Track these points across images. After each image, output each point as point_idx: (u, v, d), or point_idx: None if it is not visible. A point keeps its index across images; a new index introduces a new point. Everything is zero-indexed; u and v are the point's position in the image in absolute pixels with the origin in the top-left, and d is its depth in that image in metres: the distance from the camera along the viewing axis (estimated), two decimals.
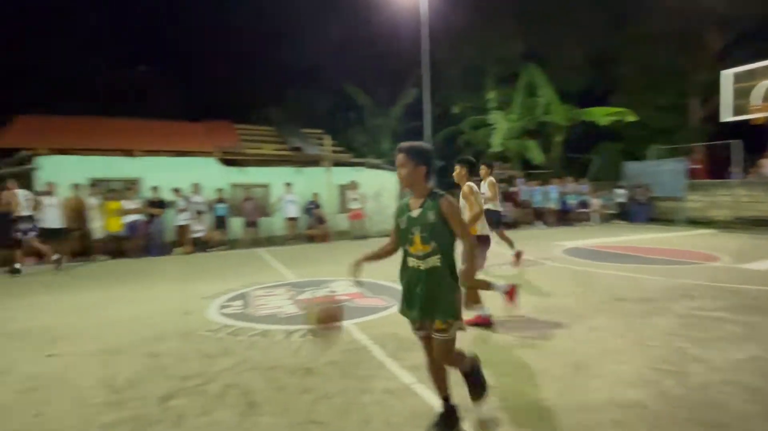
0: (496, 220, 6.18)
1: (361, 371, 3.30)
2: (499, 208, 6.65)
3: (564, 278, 6.50)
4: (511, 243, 7.07)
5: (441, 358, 2.36)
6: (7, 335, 4.45)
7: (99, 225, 9.87)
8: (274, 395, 2.98)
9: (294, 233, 12.20)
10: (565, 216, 14.96)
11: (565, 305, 4.96)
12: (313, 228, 12.38)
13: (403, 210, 2.45)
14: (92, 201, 9.90)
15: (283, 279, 7.00)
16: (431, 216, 2.32)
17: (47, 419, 2.74)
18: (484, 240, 4.34)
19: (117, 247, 10.16)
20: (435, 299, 2.31)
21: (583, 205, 15.27)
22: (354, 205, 12.53)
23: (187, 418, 2.69)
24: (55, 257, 8.27)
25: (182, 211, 10.71)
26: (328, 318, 2.52)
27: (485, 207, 4.84)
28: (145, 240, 10.40)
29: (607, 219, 15.42)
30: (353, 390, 2.98)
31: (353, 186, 12.64)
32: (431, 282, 2.32)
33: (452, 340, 2.33)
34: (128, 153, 11.29)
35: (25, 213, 8.26)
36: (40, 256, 8.77)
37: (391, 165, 13.18)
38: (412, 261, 2.38)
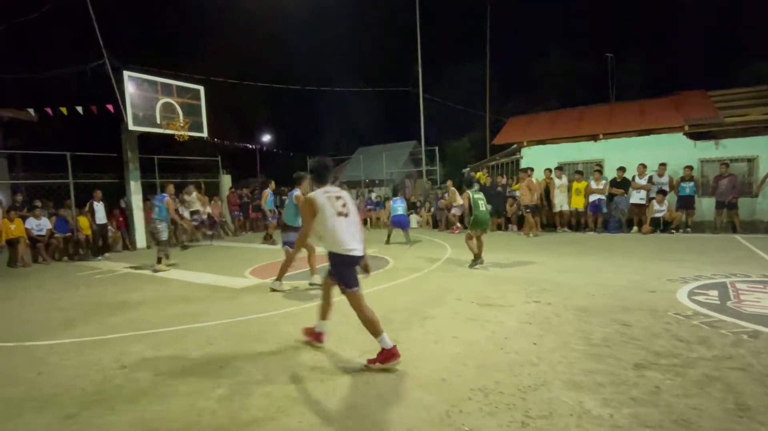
0: None
1: None
2: None
3: None
4: None
5: None
6: (511, 279, 5.72)
7: (563, 202, 10.79)
8: None
9: None
10: None
11: None
12: None
13: None
14: (557, 181, 10.91)
15: None
16: None
17: (541, 349, 3.31)
18: None
19: (577, 221, 10.82)
20: None
21: None
22: None
23: (663, 393, 2.55)
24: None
25: (640, 189, 10.03)
26: None
27: None
28: (604, 217, 10.49)
29: None
30: None
31: None
32: None
33: None
34: (593, 137, 11.66)
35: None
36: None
37: None
38: None
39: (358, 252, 3.14)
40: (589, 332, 3.61)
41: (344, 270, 3.14)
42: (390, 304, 4.70)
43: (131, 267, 8.10)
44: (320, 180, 3.31)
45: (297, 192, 5.69)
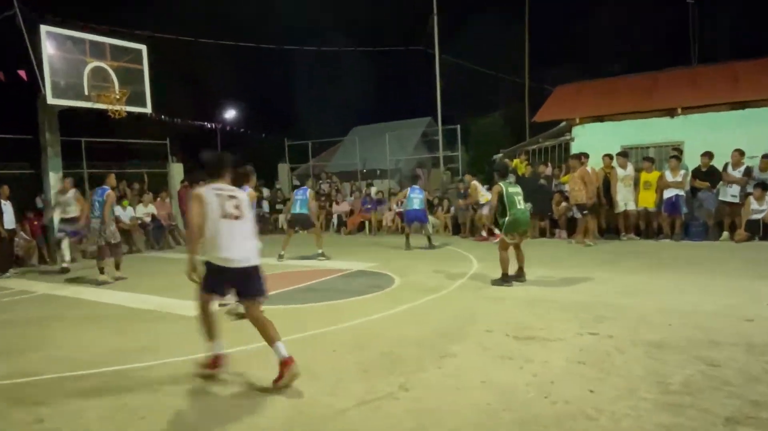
0: None
1: None
2: None
3: None
4: None
5: None
6: (558, 303, 5.72)
7: (628, 199, 10.74)
8: None
9: None
10: None
11: None
12: None
13: None
14: (621, 171, 10.84)
15: None
16: None
17: (600, 398, 3.30)
18: None
19: (647, 225, 10.77)
20: None
21: None
22: None
23: None
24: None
25: (734, 183, 10.01)
26: None
27: None
28: (684, 220, 10.44)
29: None
30: None
31: None
32: None
33: None
34: (669, 112, 11.64)
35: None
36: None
37: None
38: None
39: (237, 264, 3.65)
40: (665, 374, 3.60)
41: (210, 276, 3.71)
42: (396, 337, 4.71)
43: (67, 281, 8.19)
44: (213, 175, 3.89)
45: (249, 190, 5.84)
